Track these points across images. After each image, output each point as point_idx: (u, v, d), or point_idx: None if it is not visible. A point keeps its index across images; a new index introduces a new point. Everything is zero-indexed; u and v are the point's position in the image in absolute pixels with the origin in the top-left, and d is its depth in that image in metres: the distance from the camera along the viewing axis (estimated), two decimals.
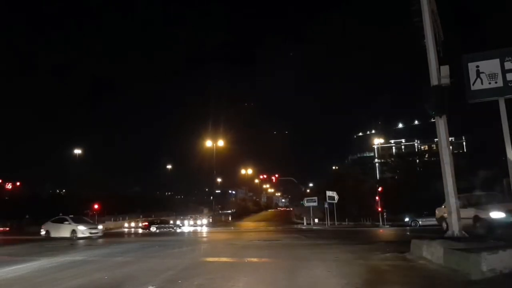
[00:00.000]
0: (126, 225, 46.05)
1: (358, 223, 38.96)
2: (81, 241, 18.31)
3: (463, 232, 8.02)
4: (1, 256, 11.52)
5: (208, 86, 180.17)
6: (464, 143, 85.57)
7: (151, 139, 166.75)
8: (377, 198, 35.19)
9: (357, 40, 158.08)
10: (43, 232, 21.62)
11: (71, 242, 17.61)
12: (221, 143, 46.44)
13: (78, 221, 21.53)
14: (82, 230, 20.07)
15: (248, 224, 54.29)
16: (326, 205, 36.41)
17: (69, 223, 20.70)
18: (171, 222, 39.74)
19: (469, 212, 11.96)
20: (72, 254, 11.02)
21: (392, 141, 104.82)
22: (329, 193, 35.35)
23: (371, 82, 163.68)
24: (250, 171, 72.10)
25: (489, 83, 8.04)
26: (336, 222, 36.42)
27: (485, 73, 8.06)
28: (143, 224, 38.71)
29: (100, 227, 22.49)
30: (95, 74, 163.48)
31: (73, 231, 19.96)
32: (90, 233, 20.25)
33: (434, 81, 8.54)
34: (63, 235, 20.27)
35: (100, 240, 18.80)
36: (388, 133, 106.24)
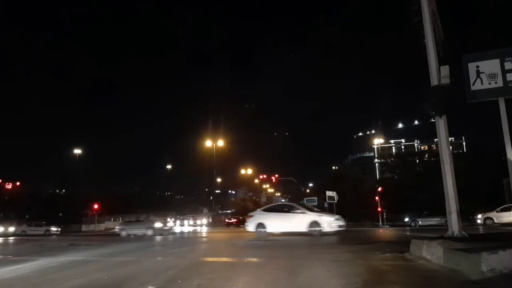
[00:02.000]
0: None
1: (358, 223, 38.94)
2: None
3: (463, 232, 8.02)
4: (1, 256, 11.54)
5: (208, 86, 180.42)
6: (464, 143, 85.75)
7: (151, 139, 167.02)
8: (377, 198, 35.24)
9: (358, 41, 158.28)
10: (251, 227, 15.85)
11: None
12: (221, 143, 46.43)
13: (313, 209, 16.62)
14: (329, 222, 14.82)
15: None
16: (325, 205, 36.38)
17: (302, 212, 15.46)
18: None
19: None
20: (72, 254, 11.02)
21: (392, 141, 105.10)
22: (328, 193, 35.33)
23: (371, 82, 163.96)
24: (250, 171, 71.99)
25: (489, 83, 8.04)
26: None
27: (485, 73, 8.06)
28: (232, 220, 36.81)
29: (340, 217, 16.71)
30: (95, 75, 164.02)
31: (314, 224, 14.61)
32: (339, 225, 15.16)
33: (434, 81, 8.54)
34: (293, 229, 15.08)
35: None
36: (388, 133, 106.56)
